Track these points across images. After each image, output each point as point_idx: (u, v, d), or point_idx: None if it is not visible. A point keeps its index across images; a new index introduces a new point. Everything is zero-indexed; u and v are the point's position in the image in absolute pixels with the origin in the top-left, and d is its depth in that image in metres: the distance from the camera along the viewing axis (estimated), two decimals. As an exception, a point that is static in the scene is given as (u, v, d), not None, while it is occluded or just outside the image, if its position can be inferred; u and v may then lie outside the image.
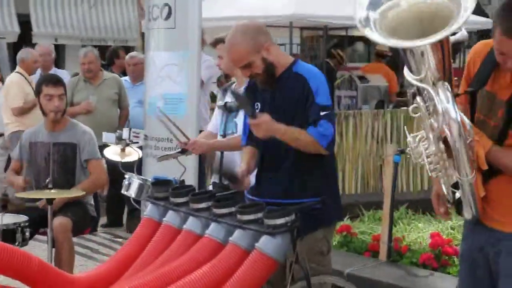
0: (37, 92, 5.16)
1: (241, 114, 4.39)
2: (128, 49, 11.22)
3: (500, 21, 2.53)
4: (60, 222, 4.54)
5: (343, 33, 11.54)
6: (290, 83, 3.57)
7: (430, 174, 2.72)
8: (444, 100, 2.50)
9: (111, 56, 8.68)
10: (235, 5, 9.14)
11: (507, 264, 2.73)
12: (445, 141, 2.56)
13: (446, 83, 2.51)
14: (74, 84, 7.14)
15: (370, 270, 5.26)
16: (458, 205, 2.80)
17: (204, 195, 3.61)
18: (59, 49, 14.60)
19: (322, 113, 3.45)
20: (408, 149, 2.76)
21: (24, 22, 14.06)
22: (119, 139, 4.79)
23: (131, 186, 4.34)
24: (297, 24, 9.58)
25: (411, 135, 2.70)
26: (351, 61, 12.54)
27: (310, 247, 3.51)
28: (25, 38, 13.52)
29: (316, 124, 3.44)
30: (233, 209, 3.38)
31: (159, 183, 3.90)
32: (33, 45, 9.51)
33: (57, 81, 5.12)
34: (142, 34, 9.46)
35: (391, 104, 9.92)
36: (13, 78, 7.70)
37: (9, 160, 7.43)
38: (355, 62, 12.80)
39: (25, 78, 7.62)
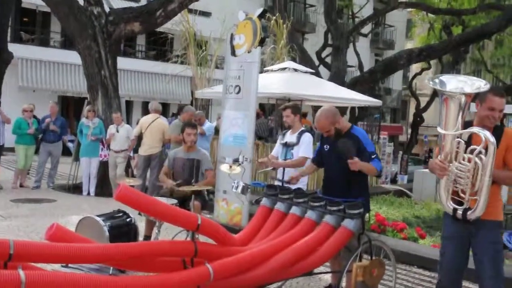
0: (182, 130, 6.17)
1: (295, 148, 5.59)
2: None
3: (490, 89, 3.44)
4: (196, 203, 5.43)
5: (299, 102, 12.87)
6: (349, 139, 4.45)
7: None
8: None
9: (180, 109, 9.96)
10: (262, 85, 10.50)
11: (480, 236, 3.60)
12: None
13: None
14: (178, 125, 8.70)
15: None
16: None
17: (302, 193, 4.50)
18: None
19: (372, 157, 4.39)
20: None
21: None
22: (235, 160, 5.43)
23: (238, 186, 4.90)
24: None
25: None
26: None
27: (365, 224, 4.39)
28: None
29: (373, 162, 4.37)
30: (322, 202, 4.26)
31: (270, 186, 4.74)
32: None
33: (194, 126, 6.18)
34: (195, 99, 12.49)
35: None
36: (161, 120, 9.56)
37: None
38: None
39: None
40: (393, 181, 17.82)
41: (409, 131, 28.94)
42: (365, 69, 22.24)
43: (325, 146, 4.71)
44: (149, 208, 3.52)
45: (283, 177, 5.52)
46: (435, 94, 24.02)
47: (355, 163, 4.25)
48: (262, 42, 7.30)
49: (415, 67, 30.01)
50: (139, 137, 9.44)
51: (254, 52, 7.32)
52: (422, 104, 25.81)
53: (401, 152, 21.07)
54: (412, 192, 11.85)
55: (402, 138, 33.53)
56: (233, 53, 7.59)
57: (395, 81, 32.72)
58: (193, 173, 5.90)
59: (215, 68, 14.06)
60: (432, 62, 25.48)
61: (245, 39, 7.40)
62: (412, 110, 30.34)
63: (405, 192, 11.90)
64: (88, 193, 9.99)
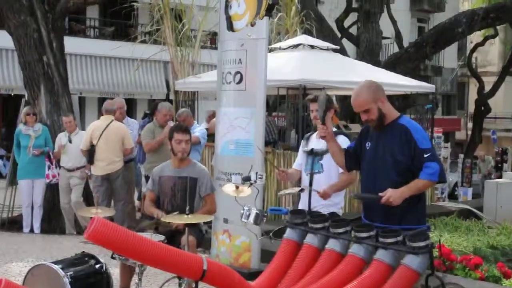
0: (170, 137, 6.18)
1: (326, 157, 5.64)
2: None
3: None
4: (191, 239, 5.50)
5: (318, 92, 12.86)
6: (396, 131, 4.54)
7: None
8: None
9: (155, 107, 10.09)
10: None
11: None
12: None
13: None
14: (152, 129, 9.21)
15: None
16: None
17: (342, 220, 4.53)
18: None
19: (425, 155, 4.40)
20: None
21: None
22: (246, 179, 5.29)
23: (250, 215, 4.95)
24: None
25: None
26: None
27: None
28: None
29: (424, 167, 4.39)
30: (372, 232, 4.27)
31: (295, 212, 4.82)
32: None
33: (185, 130, 6.23)
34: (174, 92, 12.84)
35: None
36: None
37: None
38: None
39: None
40: (452, 196, 17.86)
41: (470, 125, 29.05)
42: (405, 40, 22.32)
43: (366, 144, 4.74)
44: (139, 250, 3.53)
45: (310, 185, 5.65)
46: (506, 71, 24.05)
47: (391, 199, 4.32)
48: (270, 11, 7.32)
49: (475, 36, 30.18)
50: (90, 151, 9.30)
51: (259, 24, 7.32)
52: (487, 87, 25.86)
53: (461, 156, 21.09)
54: (483, 212, 11.87)
55: (460, 135, 33.72)
56: (230, 27, 7.60)
57: (448, 55, 32.84)
58: (186, 197, 5.87)
59: (201, 48, 14.06)
60: (499, 27, 25.57)
61: (246, 7, 7.41)
62: (473, 95, 30.48)
63: (473, 212, 11.92)
64: (31, 230, 9.99)
